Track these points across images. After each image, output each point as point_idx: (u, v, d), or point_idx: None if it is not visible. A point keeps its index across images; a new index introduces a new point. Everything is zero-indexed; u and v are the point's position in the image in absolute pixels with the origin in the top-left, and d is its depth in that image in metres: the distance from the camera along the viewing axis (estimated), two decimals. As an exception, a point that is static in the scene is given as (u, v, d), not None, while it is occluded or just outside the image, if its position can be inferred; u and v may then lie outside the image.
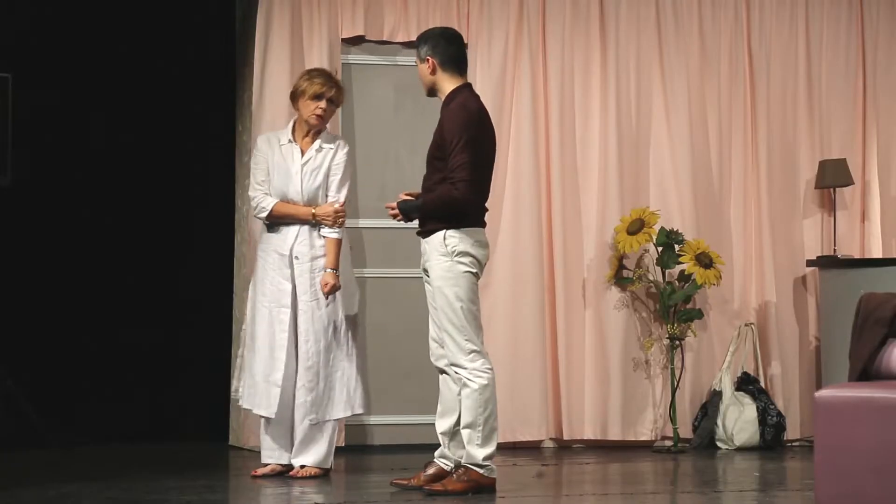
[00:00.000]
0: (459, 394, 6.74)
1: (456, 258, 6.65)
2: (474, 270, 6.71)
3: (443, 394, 6.89)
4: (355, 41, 8.71)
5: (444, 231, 6.64)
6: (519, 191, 8.73)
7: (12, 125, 8.54)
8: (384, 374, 8.67)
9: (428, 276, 6.81)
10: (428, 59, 6.78)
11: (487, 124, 6.80)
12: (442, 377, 6.89)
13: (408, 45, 8.63)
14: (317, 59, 8.49)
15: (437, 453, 6.92)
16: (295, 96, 7.41)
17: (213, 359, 8.73)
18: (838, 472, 5.39)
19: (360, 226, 8.68)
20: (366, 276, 8.67)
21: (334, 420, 7.39)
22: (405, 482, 6.90)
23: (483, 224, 6.79)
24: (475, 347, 6.65)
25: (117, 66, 9.31)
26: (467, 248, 6.67)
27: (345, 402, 7.36)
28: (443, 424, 6.88)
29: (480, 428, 6.64)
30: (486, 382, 6.64)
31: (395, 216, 6.81)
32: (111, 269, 9.42)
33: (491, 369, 6.70)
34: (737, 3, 9.17)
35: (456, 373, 6.69)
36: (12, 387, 8.58)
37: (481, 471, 6.69)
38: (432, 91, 6.86)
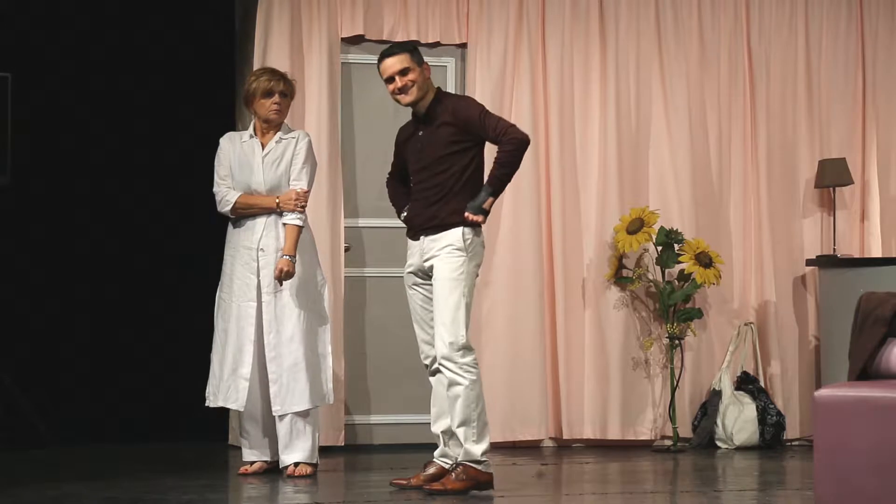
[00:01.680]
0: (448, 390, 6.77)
1: (471, 255, 6.71)
2: (478, 270, 6.81)
3: (438, 393, 6.91)
4: (355, 40, 8.73)
5: (462, 228, 6.69)
6: (519, 190, 8.72)
7: (12, 124, 8.55)
8: (384, 374, 8.70)
9: (421, 276, 6.83)
10: (426, 66, 6.88)
11: None
12: (436, 377, 6.91)
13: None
14: (316, 58, 8.52)
15: (436, 453, 6.93)
16: (248, 101, 7.47)
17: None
18: (838, 471, 5.37)
19: (360, 225, 8.71)
20: (366, 275, 8.71)
21: (301, 413, 7.33)
22: (404, 482, 6.92)
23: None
24: (467, 343, 6.70)
25: (117, 65, 9.34)
26: (478, 247, 6.77)
27: (309, 393, 7.32)
28: (441, 424, 6.90)
29: (475, 424, 6.67)
30: (475, 378, 6.68)
31: (478, 222, 6.70)
32: (110, 268, 9.43)
33: (478, 365, 6.75)
34: (736, 3, 9.19)
35: (445, 367, 6.70)
36: (12, 386, 8.59)
37: (479, 467, 6.71)
38: (421, 98, 6.84)
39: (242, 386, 7.32)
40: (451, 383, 6.69)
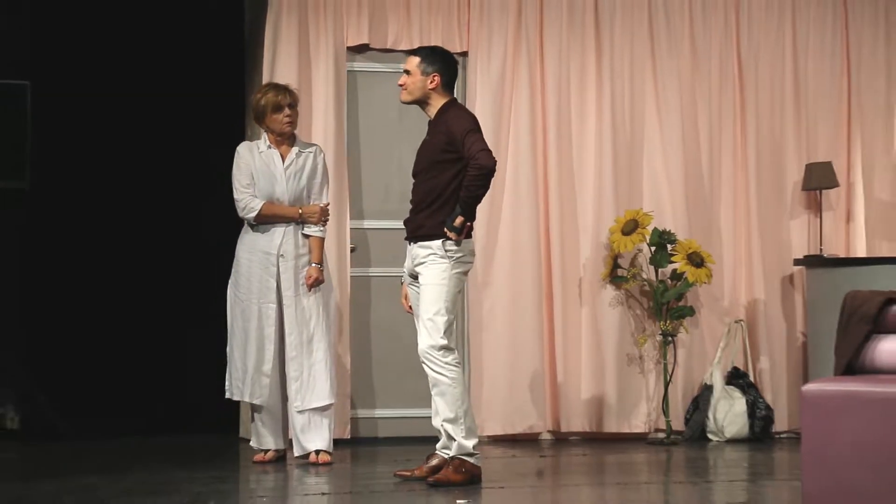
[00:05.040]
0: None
1: (454, 262, 6.86)
2: (464, 279, 6.98)
3: None
4: (360, 49, 8.79)
5: (444, 240, 6.83)
6: (517, 193, 8.80)
7: (31, 131, 8.62)
8: (389, 369, 8.76)
9: (415, 281, 6.97)
10: (434, 77, 6.95)
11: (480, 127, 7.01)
12: None
13: (411, 53, 8.73)
14: (323, 66, 8.57)
15: (438, 445, 7.02)
16: (259, 116, 7.70)
17: (223, 353, 8.76)
18: (824, 462, 5.40)
19: (365, 227, 8.79)
20: (371, 275, 8.78)
21: (320, 407, 7.63)
22: (408, 473, 7.03)
23: (471, 235, 6.96)
24: (447, 343, 6.81)
25: (131, 73, 9.30)
26: (463, 257, 6.89)
27: (328, 390, 7.63)
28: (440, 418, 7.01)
29: (462, 421, 6.81)
30: (457, 376, 6.81)
31: (457, 240, 6.84)
32: (126, 268, 9.38)
33: (460, 364, 6.88)
34: (726, 10, 9.21)
35: (427, 366, 6.83)
36: (30, 382, 8.67)
37: (472, 460, 6.84)
38: (419, 102, 7.01)
39: (265, 382, 7.62)
40: (435, 382, 6.82)
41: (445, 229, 6.80)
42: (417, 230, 6.93)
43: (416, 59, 7.00)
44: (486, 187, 6.81)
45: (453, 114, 6.91)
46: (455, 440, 6.82)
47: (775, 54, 9.30)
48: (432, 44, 8.53)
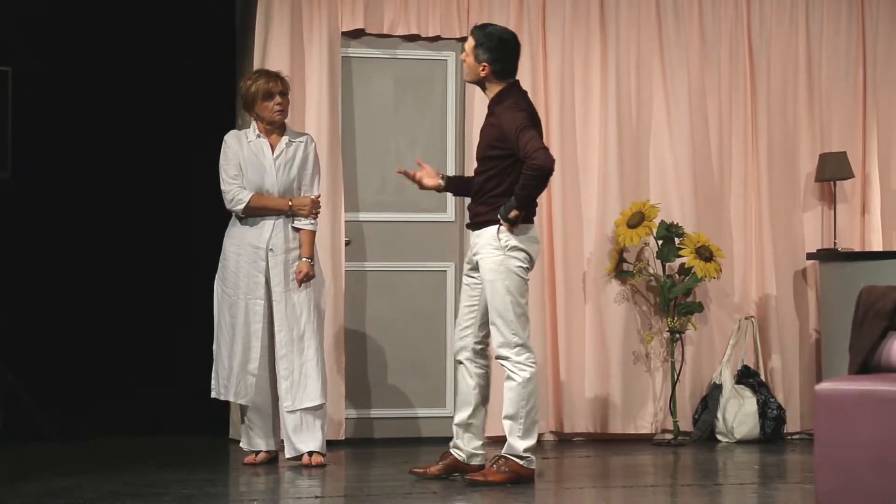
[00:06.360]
0: (475, 387, 6.95)
1: (509, 252, 6.81)
2: (525, 266, 6.88)
3: (459, 386, 7.06)
4: (355, 34, 8.73)
5: (497, 226, 6.80)
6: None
7: (12, 118, 8.59)
8: (385, 368, 8.70)
9: (474, 269, 6.96)
10: (485, 66, 6.91)
11: (538, 119, 6.98)
12: (459, 369, 7.04)
13: (408, 38, 8.71)
14: (316, 52, 8.53)
15: (451, 443, 7.06)
16: (248, 104, 7.62)
17: (212, 351, 8.73)
18: (838, 465, 5.40)
19: (361, 219, 8.72)
20: (366, 269, 8.72)
21: (312, 407, 7.51)
22: (421, 471, 7.03)
23: (533, 220, 6.94)
24: (521, 341, 6.81)
25: (117, 59, 9.37)
26: (520, 244, 6.83)
27: (320, 390, 7.53)
28: (458, 416, 7.04)
29: (522, 420, 6.82)
30: (529, 376, 6.81)
31: (510, 229, 6.82)
32: (112, 263, 9.45)
33: (535, 363, 6.87)
34: (737, -3, 9.22)
35: (501, 364, 6.83)
36: (13, 381, 8.60)
37: (521, 462, 6.85)
38: (476, 84, 7.02)
39: (251, 381, 7.54)
40: (506, 378, 6.84)
41: (499, 216, 6.80)
42: (474, 218, 6.97)
43: (471, 42, 6.98)
44: (543, 187, 6.83)
45: (507, 105, 6.88)
46: (508, 438, 6.86)
47: (788, 43, 9.27)
48: (430, 30, 8.75)
